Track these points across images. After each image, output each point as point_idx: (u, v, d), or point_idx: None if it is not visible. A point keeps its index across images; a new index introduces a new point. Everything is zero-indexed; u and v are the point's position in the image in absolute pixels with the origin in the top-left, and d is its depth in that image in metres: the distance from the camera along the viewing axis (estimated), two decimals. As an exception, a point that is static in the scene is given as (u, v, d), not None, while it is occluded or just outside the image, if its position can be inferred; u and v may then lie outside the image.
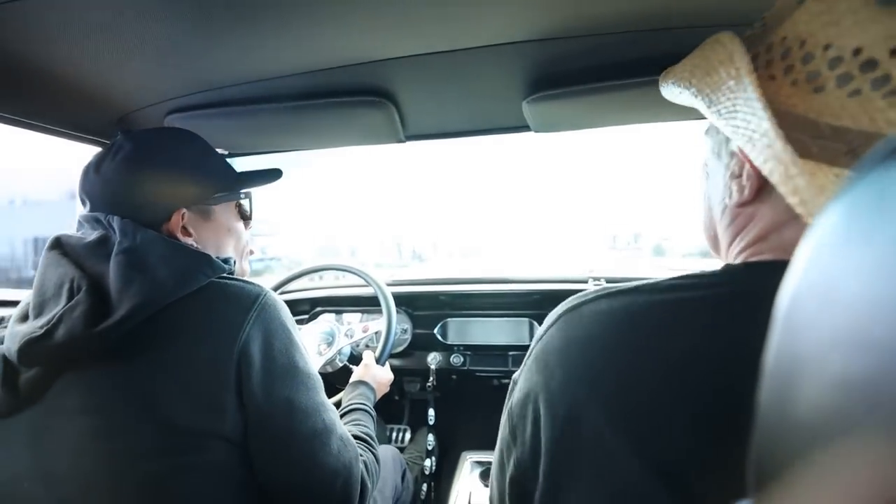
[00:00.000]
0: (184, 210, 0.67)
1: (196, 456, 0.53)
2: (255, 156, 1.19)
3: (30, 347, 0.51)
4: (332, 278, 1.68)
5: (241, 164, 1.17)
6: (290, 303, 1.55)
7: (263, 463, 0.59)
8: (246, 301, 0.60)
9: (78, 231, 0.62)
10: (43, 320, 0.52)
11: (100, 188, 0.63)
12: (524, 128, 1.02)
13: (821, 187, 0.31)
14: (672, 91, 0.46)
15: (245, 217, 0.80)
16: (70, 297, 0.53)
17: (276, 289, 1.31)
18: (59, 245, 0.58)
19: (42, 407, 0.53)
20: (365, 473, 0.68)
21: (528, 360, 0.43)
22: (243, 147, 1.11)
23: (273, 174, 0.80)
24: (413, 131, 1.03)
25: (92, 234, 0.59)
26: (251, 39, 0.68)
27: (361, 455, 0.70)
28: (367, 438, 0.78)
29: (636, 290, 0.39)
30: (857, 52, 0.32)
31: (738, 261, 0.42)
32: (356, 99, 0.86)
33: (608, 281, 1.43)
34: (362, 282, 1.25)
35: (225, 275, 0.63)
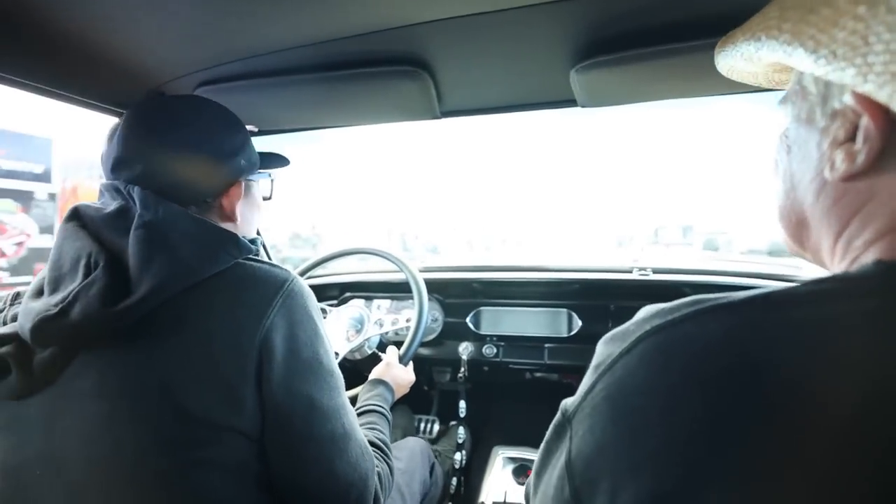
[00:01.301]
0: (242, 181, 0.65)
1: (211, 449, 0.50)
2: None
3: (44, 326, 0.48)
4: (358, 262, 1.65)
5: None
6: (319, 287, 1.53)
7: (278, 461, 0.55)
8: (272, 286, 0.56)
9: (98, 200, 0.58)
10: (58, 297, 0.49)
11: (116, 152, 0.58)
12: (569, 102, 0.94)
13: None
14: (743, 50, 0.38)
15: (267, 197, 0.78)
16: (87, 273, 0.49)
17: (304, 272, 1.28)
18: (78, 216, 0.55)
19: (56, 389, 0.50)
20: (379, 487, 0.64)
21: (593, 400, 0.32)
22: (273, 123, 1.08)
23: (285, 159, 0.79)
24: (449, 106, 0.97)
25: (111, 205, 0.55)
26: (282, 2, 0.63)
27: (378, 466, 0.66)
28: (382, 446, 0.73)
29: (742, 304, 0.29)
30: None
31: (868, 258, 0.31)
32: (390, 69, 0.81)
33: (655, 271, 1.33)
34: (393, 267, 1.20)
35: (252, 256, 0.59)
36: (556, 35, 0.72)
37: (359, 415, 0.83)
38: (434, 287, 1.42)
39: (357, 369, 1.17)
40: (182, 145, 0.59)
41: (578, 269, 1.44)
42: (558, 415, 0.35)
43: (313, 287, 1.55)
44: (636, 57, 0.73)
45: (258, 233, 1.44)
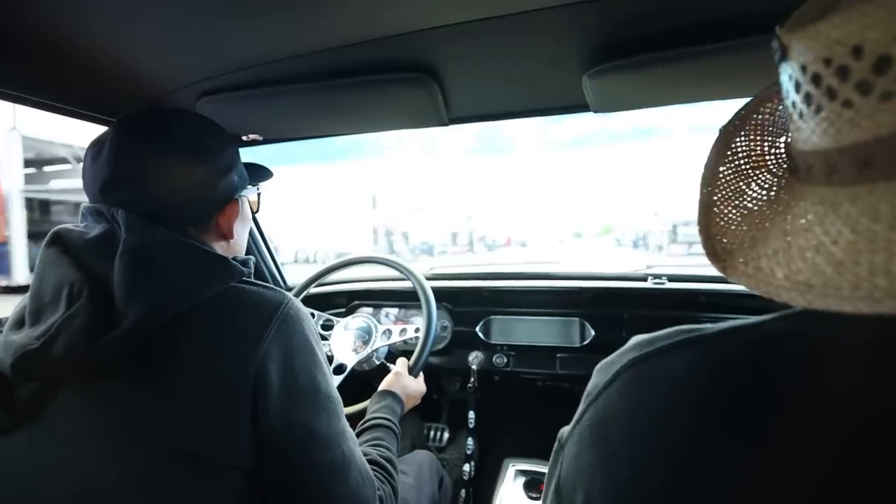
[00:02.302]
0: (238, 200, 0.63)
1: (203, 487, 0.48)
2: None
3: (25, 361, 0.45)
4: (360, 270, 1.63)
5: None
6: (326, 295, 1.51)
7: (275, 494, 0.53)
8: (265, 311, 0.54)
9: (81, 223, 0.55)
10: (40, 329, 0.47)
11: (105, 173, 0.54)
12: (581, 107, 0.91)
13: None
14: None
15: (255, 210, 0.76)
16: (70, 303, 0.47)
17: (307, 285, 1.26)
18: (59, 241, 0.52)
19: (39, 426, 0.48)
20: None
21: (580, 428, 0.34)
22: (278, 132, 1.06)
23: (269, 171, 0.77)
24: (457, 112, 0.95)
25: (95, 229, 0.52)
26: (285, 10, 0.62)
27: (379, 490, 0.63)
28: (387, 465, 0.71)
29: (725, 333, 0.29)
30: None
31: None
32: (396, 76, 0.78)
33: (670, 279, 1.29)
34: (401, 275, 1.18)
35: (245, 279, 0.57)
36: (568, 39, 0.70)
37: (366, 429, 0.80)
38: (442, 295, 1.39)
39: (365, 379, 1.15)
40: (180, 164, 0.57)
41: (591, 276, 1.41)
42: (556, 443, 0.37)
43: (319, 296, 1.53)
44: (651, 61, 0.70)
45: (270, 251, 1.43)
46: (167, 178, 0.56)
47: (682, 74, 0.74)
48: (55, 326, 0.46)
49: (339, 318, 1.24)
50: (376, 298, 1.49)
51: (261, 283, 0.58)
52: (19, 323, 0.51)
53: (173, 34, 0.66)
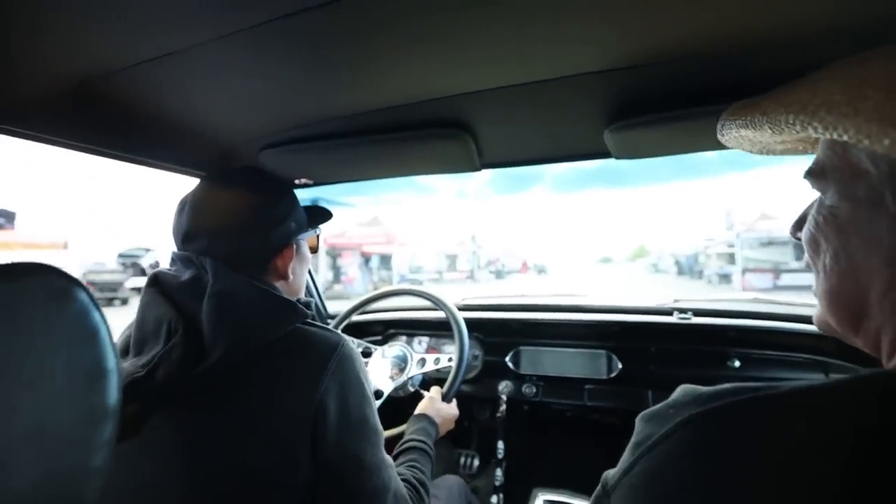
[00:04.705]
0: (293, 244, 0.72)
1: (273, 501, 0.55)
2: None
3: (132, 386, 0.55)
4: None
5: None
6: (364, 324, 1.60)
7: None
8: (325, 352, 0.62)
9: (171, 267, 0.66)
10: (144, 359, 0.56)
11: (185, 227, 0.66)
12: (604, 154, 0.98)
13: None
14: (784, 125, 0.36)
15: (314, 250, 0.85)
16: (168, 338, 0.57)
17: (349, 314, 1.35)
18: (157, 283, 0.63)
19: (136, 443, 0.57)
20: None
21: (631, 478, 0.33)
22: (327, 177, 1.17)
23: (329, 213, 0.87)
24: (488, 159, 1.03)
25: (185, 273, 0.62)
26: (339, 80, 0.72)
27: None
28: (419, 488, 0.77)
29: (783, 397, 0.29)
30: None
31: None
32: (435, 131, 0.88)
33: (695, 314, 1.32)
34: (433, 305, 1.26)
35: (308, 321, 0.66)
36: (588, 101, 0.77)
37: (403, 451, 0.86)
38: (473, 326, 1.45)
39: (400, 406, 1.22)
40: (238, 219, 0.67)
41: (618, 309, 1.45)
42: (599, 487, 0.37)
43: (359, 324, 1.62)
44: (664, 119, 0.76)
45: (313, 280, 1.53)
46: (229, 229, 0.66)
47: (694, 128, 0.80)
48: (157, 357, 0.56)
49: (376, 346, 1.31)
50: (410, 327, 1.57)
51: (319, 324, 0.67)
52: (124, 352, 0.61)
53: (239, 99, 0.78)
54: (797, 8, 0.52)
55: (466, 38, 0.60)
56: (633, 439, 0.35)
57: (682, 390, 0.34)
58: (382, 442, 0.67)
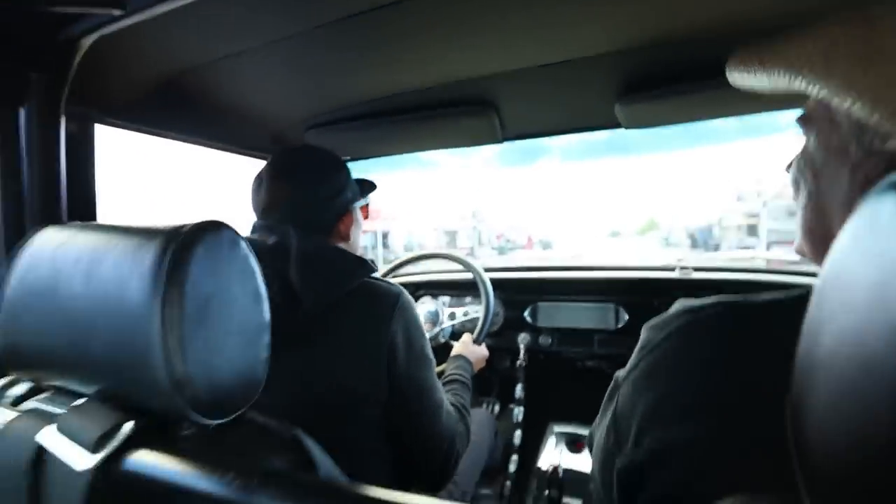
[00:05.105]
0: (351, 210, 0.85)
1: (360, 411, 0.72)
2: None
3: None
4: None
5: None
6: (398, 286, 1.76)
7: (398, 421, 0.75)
8: (389, 301, 0.75)
9: (253, 234, 0.77)
10: None
11: (264, 201, 0.79)
12: (615, 125, 1.09)
13: None
14: (770, 77, 0.39)
15: (365, 216, 0.98)
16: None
17: (392, 269, 1.51)
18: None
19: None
20: (459, 440, 0.83)
21: (635, 374, 0.40)
22: (364, 152, 1.30)
23: (373, 184, 0.98)
24: (510, 133, 1.15)
25: (270, 238, 0.74)
26: (377, 64, 0.83)
27: (458, 424, 0.85)
28: (462, 409, 0.91)
29: (753, 307, 0.36)
30: None
31: None
32: (463, 108, 0.99)
33: (696, 269, 1.45)
34: (459, 268, 1.40)
35: (373, 276, 0.79)
36: (600, 79, 0.88)
37: (446, 383, 1.01)
38: (495, 285, 1.59)
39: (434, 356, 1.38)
40: (310, 191, 0.80)
41: (626, 267, 1.58)
42: (612, 382, 0.45)
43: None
44: (668, 92, 0.87)
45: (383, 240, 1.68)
46: (302, 199, 0.79)
47: (700, 98, 0.88)
48: None
49: None
50: (436, 288, 1.72)
51: (381, 278, 0.80)
52: None
53: (286, 87, 0.91)
54: None
55: (491, 26, 0.70)
56: (638, 344, 0.42)
57: (678, 303, 0.40)
58: (435, 369, 0.82)
